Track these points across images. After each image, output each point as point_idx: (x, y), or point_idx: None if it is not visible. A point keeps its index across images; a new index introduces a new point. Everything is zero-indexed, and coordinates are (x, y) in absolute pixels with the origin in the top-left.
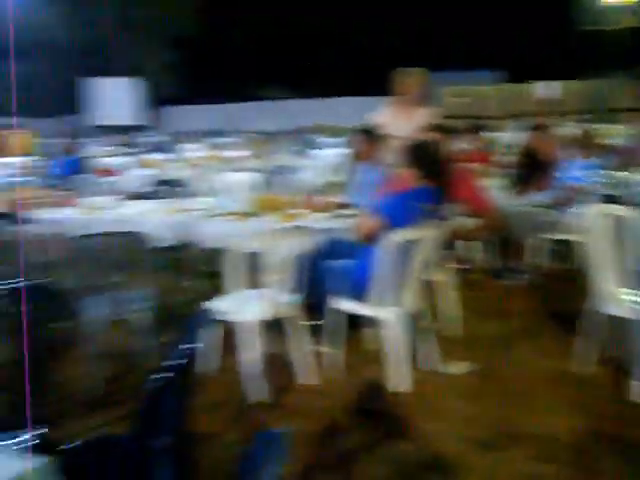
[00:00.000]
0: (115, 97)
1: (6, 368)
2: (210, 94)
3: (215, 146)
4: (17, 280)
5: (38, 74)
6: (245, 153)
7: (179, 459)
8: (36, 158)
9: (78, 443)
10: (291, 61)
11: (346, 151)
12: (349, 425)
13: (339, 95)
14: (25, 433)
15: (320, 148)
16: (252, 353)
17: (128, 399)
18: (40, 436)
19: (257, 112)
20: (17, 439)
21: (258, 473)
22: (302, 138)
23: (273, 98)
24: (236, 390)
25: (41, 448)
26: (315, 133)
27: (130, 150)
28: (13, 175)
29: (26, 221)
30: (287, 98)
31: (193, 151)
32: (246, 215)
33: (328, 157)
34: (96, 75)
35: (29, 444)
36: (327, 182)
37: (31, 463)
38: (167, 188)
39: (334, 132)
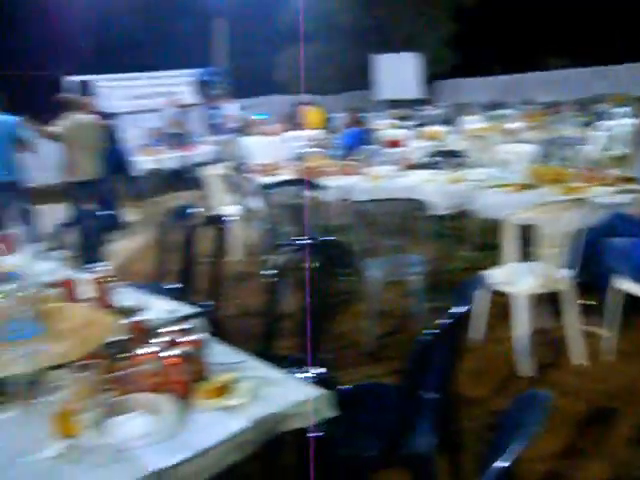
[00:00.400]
0: (397, 72)
1: (297, 315)
2: (488, 66)
3: (494, 118)
4: (307, 237)
5: (328, 54)
6: (524, 124)
7: (442, 415)
8: (325, 131)
9: (353, 386)
10: (572, 28)
11: (634, 121)
12: (617, 413)
13: (624, 62)
14: (310, 370)
15: (608, 119)
16: (523, 326)
17: (398, 356)
18: (321, 375)
19: (537, 83)
20: (305, 374)
21: (515, 431)
22: (586, 108)
23: (554, 68)
24: (502, 360)
25: (322, 385)
26: (599, 103)
27: (411, 122)
28: (306, 146)
29: (316, 187)
30: (569, 67)
31: (472, 123)
32: (524, 187)
33: (613, 128)
34: (381, 51)
35: (313, 379)
36: (611, 154)
37: (316, 392)
38: (446, 159)
39: (622, 102)
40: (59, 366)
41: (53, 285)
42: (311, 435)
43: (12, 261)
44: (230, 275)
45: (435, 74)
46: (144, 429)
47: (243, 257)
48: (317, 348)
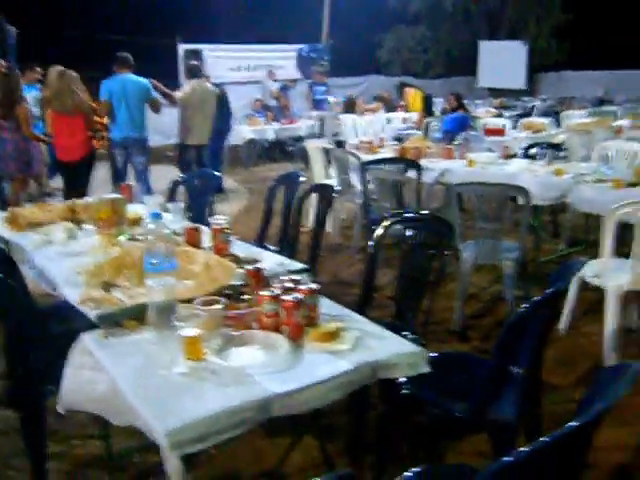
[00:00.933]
0: (502, 60)
1: (392, 287)
2: (596, 60)
3: (599, 113)
4: (412, 212)
5: (433, 37)
6: (630, 122)
7: (526, 393)
8: (426, 114)
9: (441, 353)
10: None
11: None
12: None
13: None
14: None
15: None
16: (613, 320)
17: (483, 337)
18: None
19: None
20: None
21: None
22: None
23: None
24: (587, 353)
25: None
26: None
27: (513, 112)
28: (406, 127)
29: (415, 168)
30: None
31: (576, 117)
32: (625, 184)
33: None
34: (487, 38)
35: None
36: None
37: (414, 348)
38: (546, 150)
39: None
40: (189, 300)
41: (177, 233)
42: (403, 389)
43: (133, 209)
44: (323, 245)
45: (540, 65)
46: (261, 360)
47: (337, 230)
48: (408, 320)
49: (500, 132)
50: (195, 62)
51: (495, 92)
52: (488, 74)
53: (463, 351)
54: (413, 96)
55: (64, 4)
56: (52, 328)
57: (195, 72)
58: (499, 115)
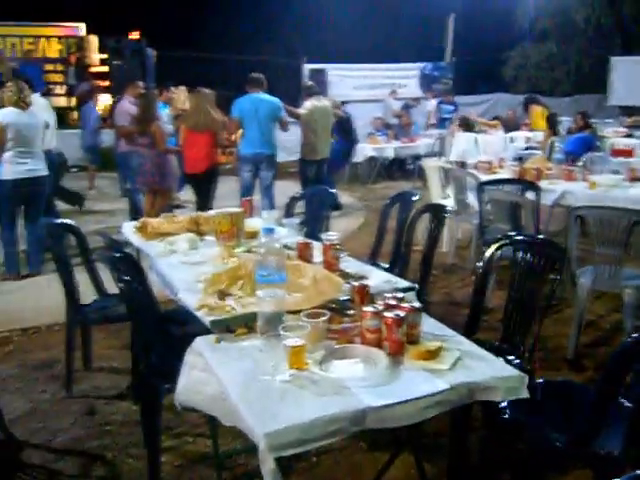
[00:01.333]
0: (635, 77)
1: (502, 310)
2: None
3: None
4: (525, 235)
5: (562, 54)
6: None
7: (635, 427)
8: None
9: (547, 380)
10: None
11: None
12: None
13: None
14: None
15: None
16: None
17: (597, 367)
18: (518, 366)
19: None
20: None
21: None
22: None
23: None
24: None
25: None
26: None
27: None
28: (529, 147)
29: (535, 189)
30: None
31: None
32: None
33: None
34: (621, 54)
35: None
36: None
37: (515, 372)
38: None
39: None
40: (296, 311)
41: (289, 247)
42: (503, 414)
43: (252, 223)
44: (438, 265)
45: None
46: (360, 373)
47: (452, 250)
48: (516, 344)
49: (628, 153)
50: (311, 82)
51: (628, 110)
52: (621, 92)
53: (573, 380)
54: (537, 114)
55: (197, 27)
56: (171, 330)
57: (311, 91)
58: (629, 135)
